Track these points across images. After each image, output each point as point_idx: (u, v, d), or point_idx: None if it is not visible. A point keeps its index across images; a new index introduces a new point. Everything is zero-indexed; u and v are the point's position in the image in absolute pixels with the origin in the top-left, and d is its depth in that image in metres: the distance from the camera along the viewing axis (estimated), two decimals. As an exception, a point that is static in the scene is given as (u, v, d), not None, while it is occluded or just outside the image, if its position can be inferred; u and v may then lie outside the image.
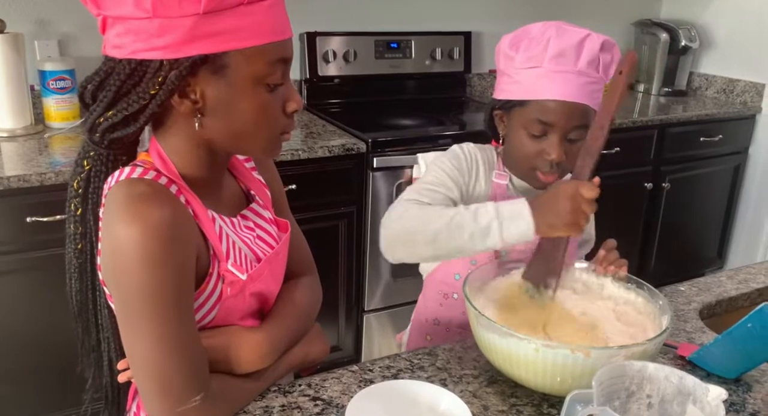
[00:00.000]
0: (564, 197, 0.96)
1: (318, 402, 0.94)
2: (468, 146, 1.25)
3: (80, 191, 0.90)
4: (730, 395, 0.98)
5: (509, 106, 1.19)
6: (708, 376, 1.03)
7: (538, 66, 1.12)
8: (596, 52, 1.12)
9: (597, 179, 0.97)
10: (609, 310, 1.05)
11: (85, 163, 0.89)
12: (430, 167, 1.22)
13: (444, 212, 1.04)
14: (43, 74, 2.13)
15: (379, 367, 1.03)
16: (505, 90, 1.19)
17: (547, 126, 1.14)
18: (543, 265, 1.04)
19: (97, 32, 0.83)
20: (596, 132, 0.99)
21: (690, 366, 1.05)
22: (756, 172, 3.17)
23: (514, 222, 0.98)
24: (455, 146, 1.25)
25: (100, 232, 0.86)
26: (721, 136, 2.99)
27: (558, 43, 1.11)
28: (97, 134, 0.86)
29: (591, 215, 0.97)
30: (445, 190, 1.16)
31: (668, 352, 1.09)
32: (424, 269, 1.36)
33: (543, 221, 0.97)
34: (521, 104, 1.16)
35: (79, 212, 0.91)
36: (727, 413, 0.84)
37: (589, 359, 0.86)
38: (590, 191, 0.95)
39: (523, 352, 0.89)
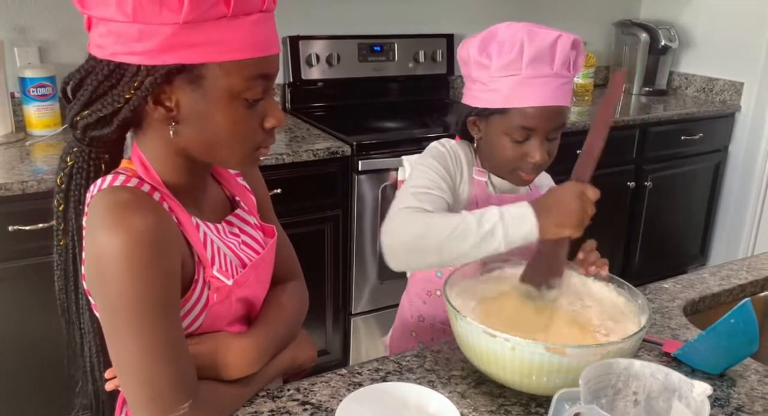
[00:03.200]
0: (572, 198, 0.99)
1: (307, 406, 0.94)
2: (449, 143, 1.25)
3: (63, 186, 0.90)
4: (714, 390, 0.99)
5: (487, 113, 1.18)
6: (693, 372, 1.04)
7: (516, 74, 1.12)
8: (568, 51, 1.13)
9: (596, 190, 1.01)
10: (599, 311, 1.06)
11: (68, 159, 0.89)
12: (418, 168, 1.20)
13: (449, 219, 1.03)
14: (23, 81, 2.11)
15: (368, 370, 1.03)
16: (480, 98, 1.18)
17: (529, 131, 1.15)
18: (544, 266, 1.06)
19: (77, 38, 0.84)
20: (595, 137, 1.02)
21: (675, 362, 1.06)
22: (736, 169, 3.21)
23: (518, 225, 0.99)
24: (436, 144, 1.24)
25: (83, 241, 0.86)
26: (701, 134, 3.03)
27: (532, 46, 1.11)
28: (78, 131, 0.86)
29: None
30: (440, 192, 1.15)
31: (653, 349, 1.10)
32: None
33: (550, 222, 0.99)
34: (501, 111, 1.15)
35: (61, 208, 0.90)
36: (711, 408, 0.85)
37: (565, 357, 0.87)
38: (594, 193, 1.00)
39: (500, 350, 0.90)
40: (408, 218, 1.08)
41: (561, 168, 1.37)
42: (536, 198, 1.03)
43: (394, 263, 1.08)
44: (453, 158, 1.22)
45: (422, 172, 1.18)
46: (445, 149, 1.23)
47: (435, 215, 1.07)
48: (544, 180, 1.36)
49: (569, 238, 1.03)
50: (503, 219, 1.00)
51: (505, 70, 1.13)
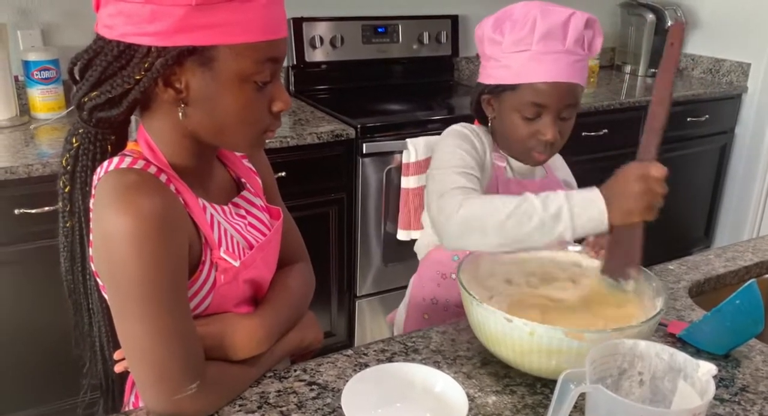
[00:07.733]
0: (634, 179, 0.92)
1: (314, 386, 0.94)
2: (469, 126, 1.24)
3: (68, 168, 0.90)
4: (719, 370, 1.00)
5: (499, 90, 1.18)
6: (698, 353, 1.04)
7: (526, 49, 1.12)
8: (581, 29, 1.13)
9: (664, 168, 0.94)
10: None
11: (74, 140, 0.89)
12: (448, 150, 1.17)
13: (510, 199, 0.99)
14: (26, 64, 2.10)
15: (374, 351, 1.03)
16: (492, 75, 1.18)
17: (540, 108, 1.15)
18: (619, 256, 1.00)
19: (80, 21, 0.83)
20: (656, 109, 0.95)
21: (680, 343, 1.06)
22: (742, 151, 3.19)
23: (586, 209, 0.94)
24: (459, 128, 1.23)
25: (90, 222, 0.86)
26: (707, 116, 3.01)
27: (544, 23, 1.11)
28: (85, 112, 0.86)
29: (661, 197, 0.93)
30: (477, 172, 1.14)
31: (659, 330, 1.10)
32: (420, 249, 1.37)
33: (617, 207, 0.93)
34: (512, 88, 1.16)
35: (67, 190, 0.91)
36: (716, 388, 0.86)
37: (584, 342, 0.86)
38: (659, 170, 0.93)
39: (518, 335, 0.89)
40: (464, 196, 1.04)
41: (565, 151, 1.37)
42: (603, 184, 0.96)
43: (451, 243, 1.06)
44: (478, 141, 1.22)
45: (454, 153, 1.16)
46: (468, 131, 1.22)
47: (495, 195, 1.04)
48: (558, 163, 1.35)
49: (641, 225, 0.95)
50: (570, 202, 0.95)
51: (517, 46, 1.13)
